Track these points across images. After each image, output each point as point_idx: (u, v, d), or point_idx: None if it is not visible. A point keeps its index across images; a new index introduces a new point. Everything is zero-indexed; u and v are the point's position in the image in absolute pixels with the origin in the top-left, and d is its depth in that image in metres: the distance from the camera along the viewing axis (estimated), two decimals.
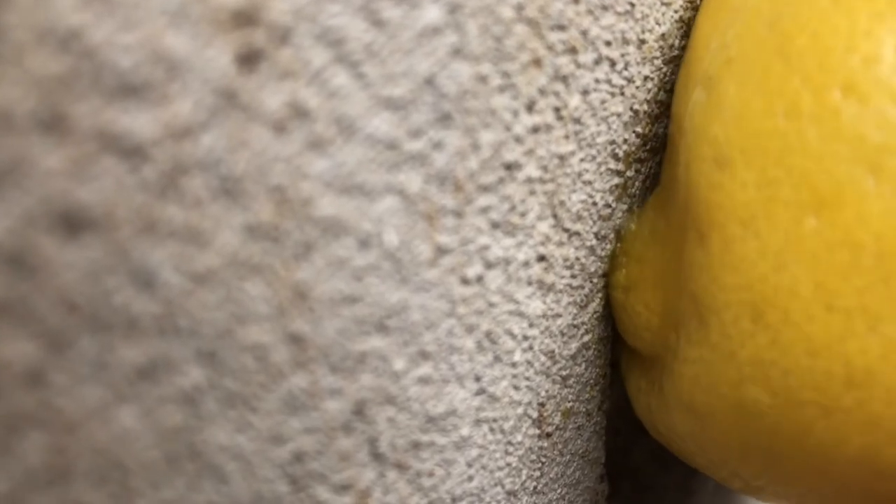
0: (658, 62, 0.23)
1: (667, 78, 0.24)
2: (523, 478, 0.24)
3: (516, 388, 0.22)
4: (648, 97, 0.23)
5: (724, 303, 0.20)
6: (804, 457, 0.20)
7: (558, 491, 0.26)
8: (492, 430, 0.22)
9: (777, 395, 0.20)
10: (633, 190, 0.24)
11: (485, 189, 0.19)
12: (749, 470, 0.22)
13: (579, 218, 0.22)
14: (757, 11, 0.21)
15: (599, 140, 0.22)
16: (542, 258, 0.22)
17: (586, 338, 0.24)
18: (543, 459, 0.25)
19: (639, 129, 0.23)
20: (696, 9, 0.24)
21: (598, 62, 0.21)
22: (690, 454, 0.24)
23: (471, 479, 0.22)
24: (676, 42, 0.24)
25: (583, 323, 0.24)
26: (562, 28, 0.20)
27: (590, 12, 0.20)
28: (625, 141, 0.23)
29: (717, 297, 0.20)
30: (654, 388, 0.23)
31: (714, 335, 0.20)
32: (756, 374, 0.20)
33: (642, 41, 0.22)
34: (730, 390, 0.20)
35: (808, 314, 0.19)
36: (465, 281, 0.20)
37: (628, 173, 0.24)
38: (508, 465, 0.23)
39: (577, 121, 0.21)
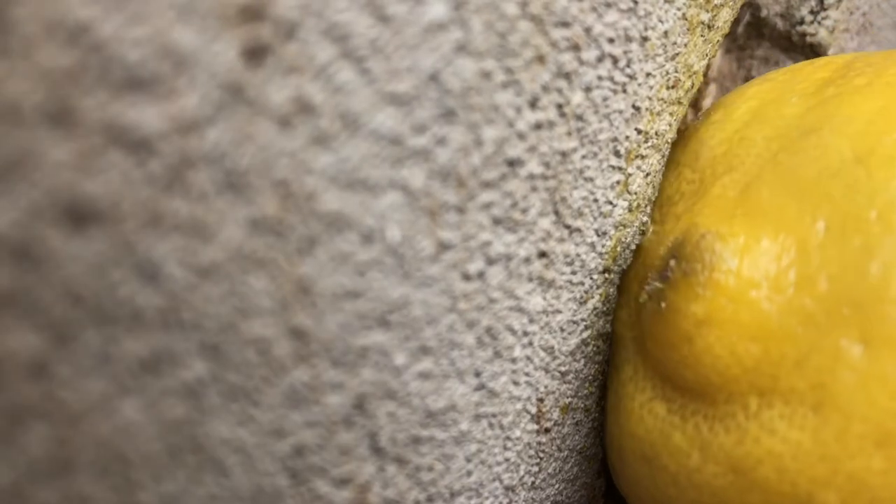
0: (660, 59, 0.23)
1: (669, 75, 0.24)
2: (521, 473, 0.24)
3: (515, 383, 0.23)
4: (650, 94, 0.23)
5: (862, 416, 0.20)
6: None
7: (556, 486, 0.26)
8: (491, 425, 0.22)
9: None
10: (635, 187, 0.24)
11: (487, 185, 0.19)
12: None
13: (580, 214, 0.22)
14: None
15: (601, 137, 0.22)
16: (542, 254, 0.22)
17: (585, 334, 0.25)
18: (542, 455, 0.25)
19: (640, 126, 0.23)
20: (699, 6, 0.24)
21: (600, 59, 0.21)
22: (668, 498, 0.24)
23: (469, 473, 0.22)
24: (679, 39, 0.24)
25: (582, 319, 0.24)
26: (565, 25, 0.20)
27: (593, 9, 0.20)
28: (626, 138, 0.23)
29: (858, 407, 0.20)
30: (689, 426, 0.23)
31: (829, 433, 0.20)
32: (847, 487, 0.20)
33: (645, 38, 0.22)
34: (808, 484, 0.20)
35: None
36: (466, 277, 0.20)
37: (629, 170, 0.24)
38: (507, 460, 0.23)
39: (580, 117, 0.21)
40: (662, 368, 0.23)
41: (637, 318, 0.25)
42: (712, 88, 0.32)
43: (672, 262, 0.22)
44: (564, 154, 0.21)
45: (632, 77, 0.22)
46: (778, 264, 0.21)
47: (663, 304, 0.22)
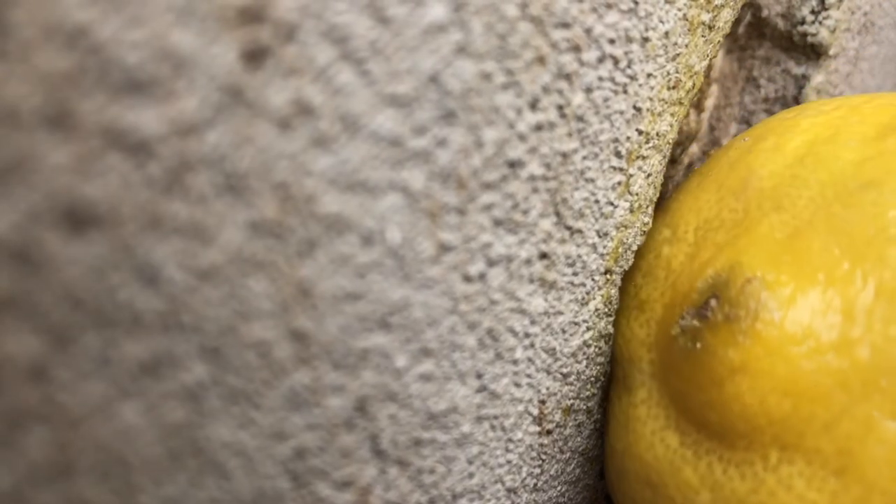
0: (661, 60, 0.23)
1: (670, 75, 0.24)
2: (523, 475, 0.24)
3: (517, 385, 0.22)
4: (651, 95, 0.23)
5: (884, 490, 0.20)
6: None
7: (558, 488, 0.26)
8: (492, 427, 0.22)
9: None
10: (636, 188, 0.24)
11: (488, 186, 0.19)
12: None
13: (581, 216, 0.22)
14: None
15: (602, 138, 0.22)
16: (543, 255, 0.22)
17: (587, 335, 0.25)
18: (544, 457, 0.25)
19: (641, 127, 0.23)
20: (700, 7, 0.24)
21: (601, 60, 0.21)
22: None
23: (471, 476, 0.22)
24: (680, 40, 0.24)
25: (584, 320, 0.24)
26: (566, 26, 0.20)
27: (594, 10, 0.20)
28: (627, 139, 0.23)
29: (882, 480, 0.20)
30: (702, 464, 0.22)
31: (847, 500, 0.20)
32: None
33: (646, 39, 0.22)
34: None
35: None
36: (467, 278, 0.20)
37: (630, 171, 0.24)
38: (509, 462, 0.23)
39: (581, 118, 0.21)
40: (683, 403, 0.23)
41: (658, 341, 0.24)
42: (714, 89, 0.32)
43: (713, 302, 0.21)
44: (565, 155, 0.21)
45: (633, 78, 0.22)
46: (822, 322, 0.21)
47: (699, 345, 0.21)
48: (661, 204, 0.27)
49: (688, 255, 0.25)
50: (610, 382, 0.27)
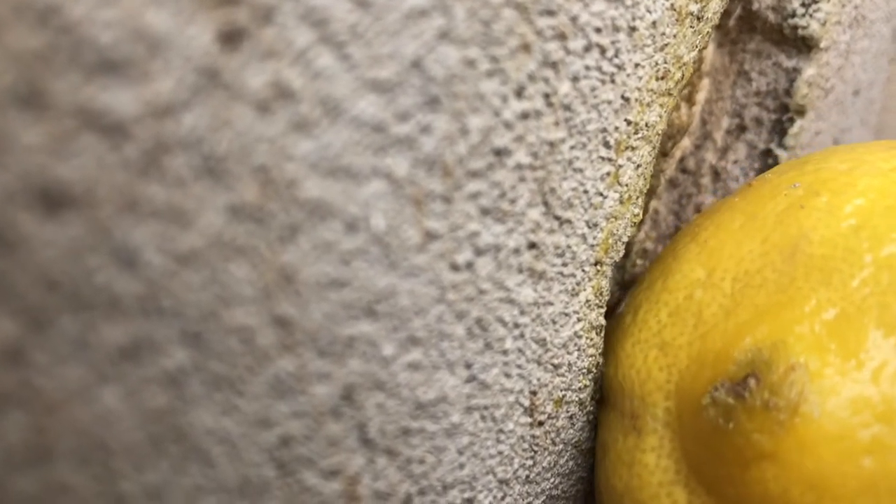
0: (649, 49, 0.23)
1: (658, 66, 0.24)
2: (515, 466, 0.24)
3: (507, 375, 0.22)
4: (640, 85, 0.23)
5: None
6: None
7: (551, 480, 0.26)
8: (483, 417, 0.22)
9: None
10: (625, 179, 0.24)
11: (474, 175, 0.19)
12: None
13: (570, 205, 0.22)
14: None
15: (590, 127, 0.22)
16: (532, 245, 0.22)
17: (577, 326, 0.24)
18: (535, 448, 0.24)
19: (630, 117, 0.23)
20: None
21: (588, 49, 0.21)
22: None
23: (462, 466, 0.22)
24: (668, 30, 0.24)
25: (574, 311, 0.24)
26: (551, 13, 0.20)
27: None
28: (616, 129, 0.23)
29: None
30: None
31: None
32: None
33: (633, 28, 0.22)
34: None
35: None
36: (454, 267, 0.20)
37: (619, 161, 0.24)
38: (500, 453, 0.23)
39: (568, 107, 0.21)
40: (699, 467, 0.22)
41: (679, 393, 0.23)
42: (705, 83, 0.32)
43: (752, 383, 0.20)
44: (552, 144, 0.21)
45: (620, 67, 0.22)
46: (859, 421, 0.20)
47: (731, 424, 0.21)
48: (693, 235, 0.26)
49: (722, 308, 0.23)
50: (604, 407, 0.26)
